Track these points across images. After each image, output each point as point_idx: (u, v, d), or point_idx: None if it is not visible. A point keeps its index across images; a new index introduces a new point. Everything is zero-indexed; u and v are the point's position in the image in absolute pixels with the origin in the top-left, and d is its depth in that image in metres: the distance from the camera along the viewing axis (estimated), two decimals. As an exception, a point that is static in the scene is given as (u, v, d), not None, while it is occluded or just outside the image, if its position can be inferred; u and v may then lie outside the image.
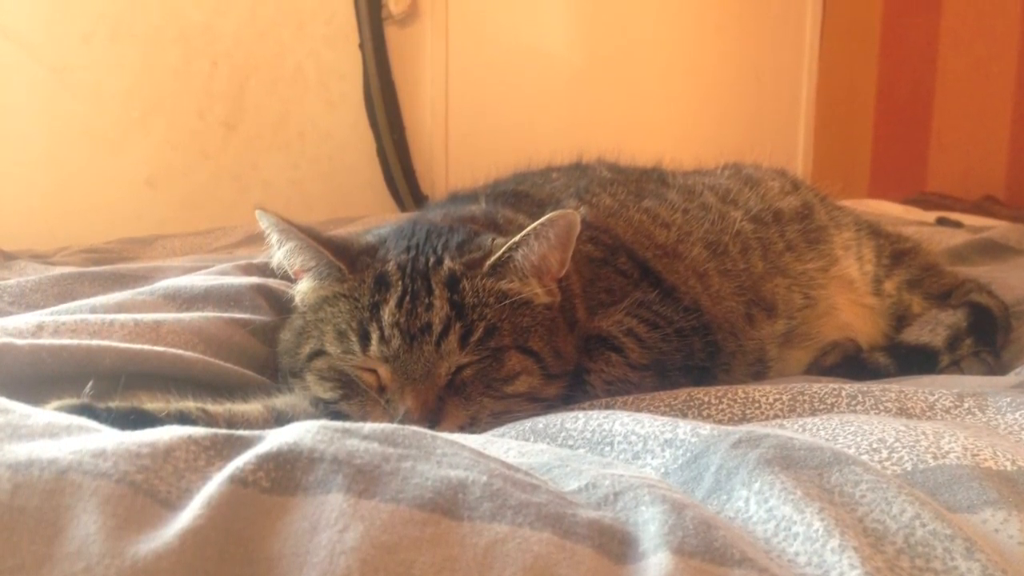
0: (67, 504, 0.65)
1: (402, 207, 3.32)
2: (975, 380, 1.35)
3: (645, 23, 3.89)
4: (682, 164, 1.93)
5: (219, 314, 1.37)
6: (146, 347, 1.18)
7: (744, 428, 0.91)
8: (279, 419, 1.14)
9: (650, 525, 0.71)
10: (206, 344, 1.28)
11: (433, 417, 1.10)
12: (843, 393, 1.12)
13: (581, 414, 1.02)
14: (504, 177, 1.75)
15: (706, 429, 0.90)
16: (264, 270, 1.60)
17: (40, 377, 1.07)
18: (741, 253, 1.58)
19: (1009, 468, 0.84)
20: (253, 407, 1.15)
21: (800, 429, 0.97)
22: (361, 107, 3.29)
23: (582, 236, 1.25)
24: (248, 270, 1.64)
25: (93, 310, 1.32)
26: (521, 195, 1.56)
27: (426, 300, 1.13)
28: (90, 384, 1.03)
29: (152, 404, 1.03)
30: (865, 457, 0.87)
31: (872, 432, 0.92)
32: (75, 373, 1.08)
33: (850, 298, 1.71)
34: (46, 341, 1.13)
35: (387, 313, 1.12)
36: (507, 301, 1.16)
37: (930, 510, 0.73)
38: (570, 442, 0.98)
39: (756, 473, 0.79)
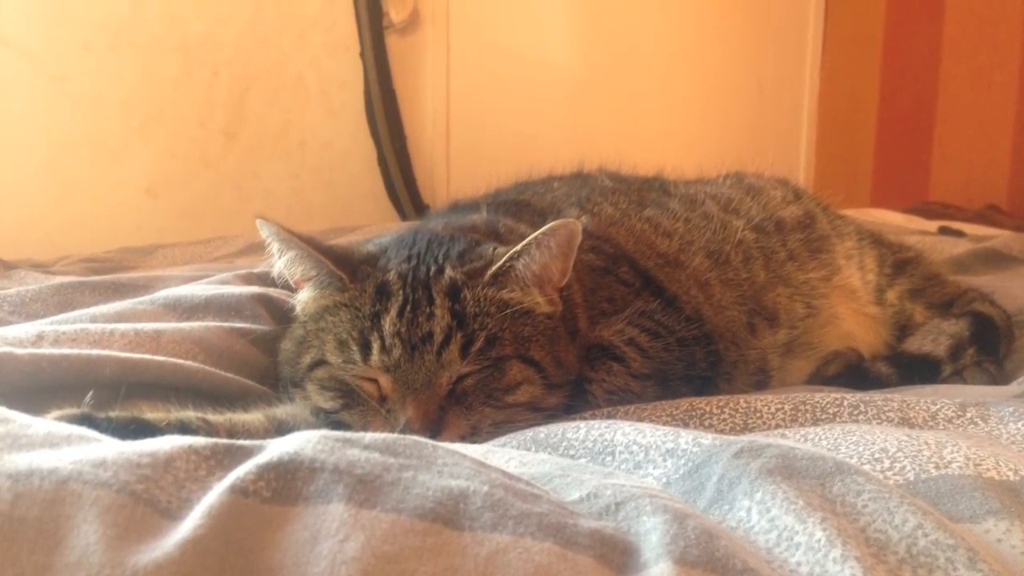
0: (67, 514, 0.65)
1: (403, 216, 3.32)
2: (977, 390, 1.35)
3: (646, 32, 3.90)
4: (684, 173, 1.93)
5: (220, 324, 1.37)
6: (146, 357, 1.18)
7: (746, 438, 0.91)
8: (280, 429, 1.14)
9: (652, 535, 0.70)
10: (207, 354, 1.28)
11: (434, 427, 1.09)
12: (845, 403, 1.12)
13: (582, 424, 1.02)
14: (505, 186, 1.75)
15: (708, 439, 0.90)
16: (265, 279, 1.59)
17: (40, 387, 1.07)
18: (743, 262, 1.58)
19: (1012, 478, 0.84)
20: (254, 417, 1.14)
21: (802, 439, 0.97)
22: (362, 116, 3.30)
23: (584, 245, 1.24)
24: (249, 279, 1.64)
25: (93, 319, 1.32)
26: (522, 204, 1.56)
27: (427, 309, 1.13)
28: (90, 394, 1.02)
29: (152, 414, 1.03)
30: (867, 467, 0.86)
31: (874, 442, 0.92)
32: (75, 383, 1.08)
33: (852, 307, 1.71)
34: (46, 351, 1.13)
35: (388, 322, 1.12)
36: (508, 310, 1.15)
37: (932, 520, 0.73)
38: (571, 452, 0.98)
39: (758, 483, 0.79)
